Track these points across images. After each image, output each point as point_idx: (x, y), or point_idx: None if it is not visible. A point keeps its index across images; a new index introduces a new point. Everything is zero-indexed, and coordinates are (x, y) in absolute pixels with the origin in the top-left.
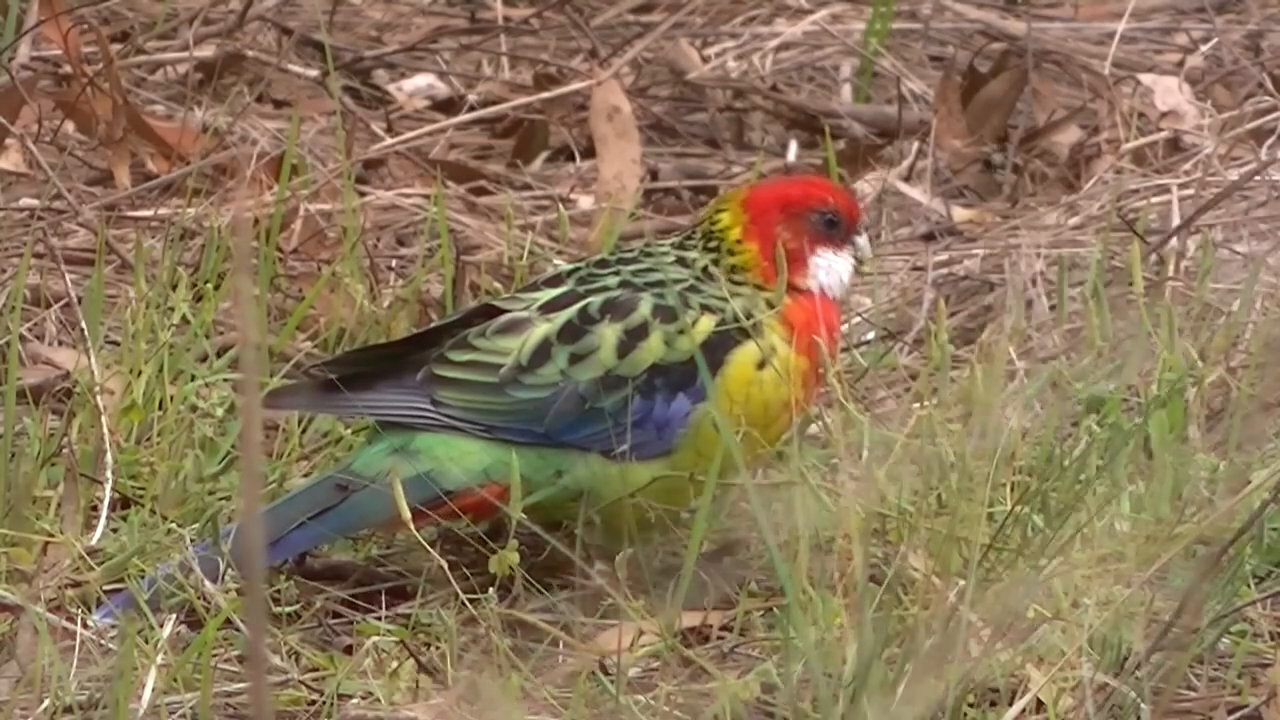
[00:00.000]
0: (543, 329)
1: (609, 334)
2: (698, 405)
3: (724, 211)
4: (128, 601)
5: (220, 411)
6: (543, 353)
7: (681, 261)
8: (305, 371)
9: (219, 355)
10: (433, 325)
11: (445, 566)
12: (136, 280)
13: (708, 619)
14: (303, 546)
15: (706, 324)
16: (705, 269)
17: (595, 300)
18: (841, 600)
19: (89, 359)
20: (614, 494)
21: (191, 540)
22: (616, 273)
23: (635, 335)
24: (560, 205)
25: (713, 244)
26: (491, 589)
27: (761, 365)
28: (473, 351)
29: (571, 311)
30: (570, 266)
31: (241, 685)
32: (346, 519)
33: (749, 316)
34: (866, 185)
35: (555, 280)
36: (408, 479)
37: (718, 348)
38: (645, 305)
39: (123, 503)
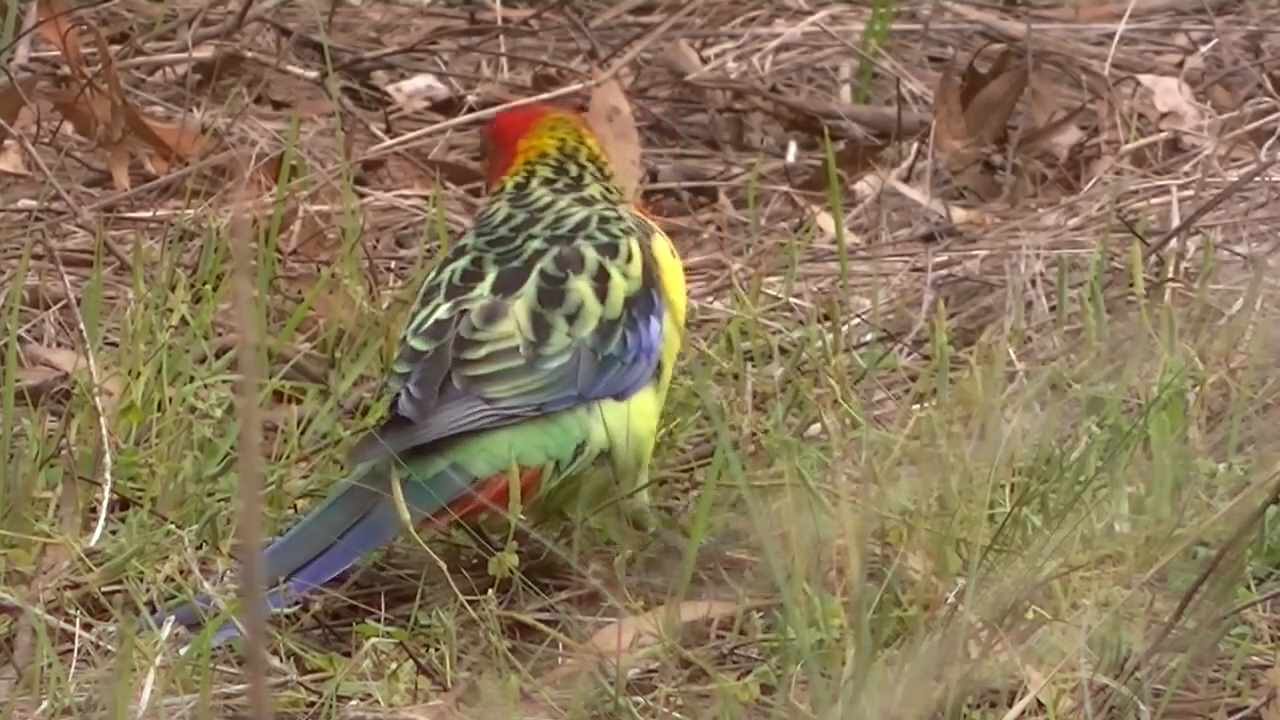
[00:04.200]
0: (521, 304)
1: (583, 286)
2: (664, 317)
3: (586, 141)
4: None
5: (219, 413)
6: (542, 324)
7: (581, 201)
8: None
9: (218, 356)
10: (431, 351)
11: (444, 568)
12: (135, 281)
13: (708, 618)
14: (348, 561)
15: (634, 246)
16: (603, 195)
17: (544, 263)
18: (840, 601)
19: (88, 360)
20: (628, 435)
21: (191, 542)
22: (531, 235)
23: (600, 279)
24: None
25: (596, 170)
26: (490, 590)
27: (673, 253)
28: (480, 346)
29: (533, 280)
30: (463, 262)
31: (241, 687)
32: (385, 528)
33: (640, 225)
34: (866, 186)
35: (473, 275)
36: (435, 475)
37: (646, 258)
38: (589, 250)
39: (122, 504)
